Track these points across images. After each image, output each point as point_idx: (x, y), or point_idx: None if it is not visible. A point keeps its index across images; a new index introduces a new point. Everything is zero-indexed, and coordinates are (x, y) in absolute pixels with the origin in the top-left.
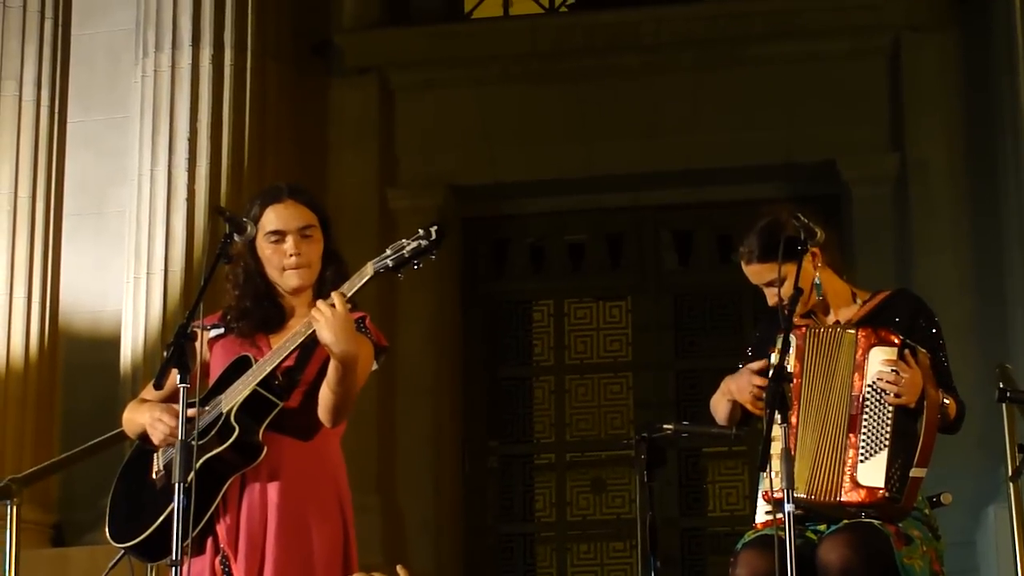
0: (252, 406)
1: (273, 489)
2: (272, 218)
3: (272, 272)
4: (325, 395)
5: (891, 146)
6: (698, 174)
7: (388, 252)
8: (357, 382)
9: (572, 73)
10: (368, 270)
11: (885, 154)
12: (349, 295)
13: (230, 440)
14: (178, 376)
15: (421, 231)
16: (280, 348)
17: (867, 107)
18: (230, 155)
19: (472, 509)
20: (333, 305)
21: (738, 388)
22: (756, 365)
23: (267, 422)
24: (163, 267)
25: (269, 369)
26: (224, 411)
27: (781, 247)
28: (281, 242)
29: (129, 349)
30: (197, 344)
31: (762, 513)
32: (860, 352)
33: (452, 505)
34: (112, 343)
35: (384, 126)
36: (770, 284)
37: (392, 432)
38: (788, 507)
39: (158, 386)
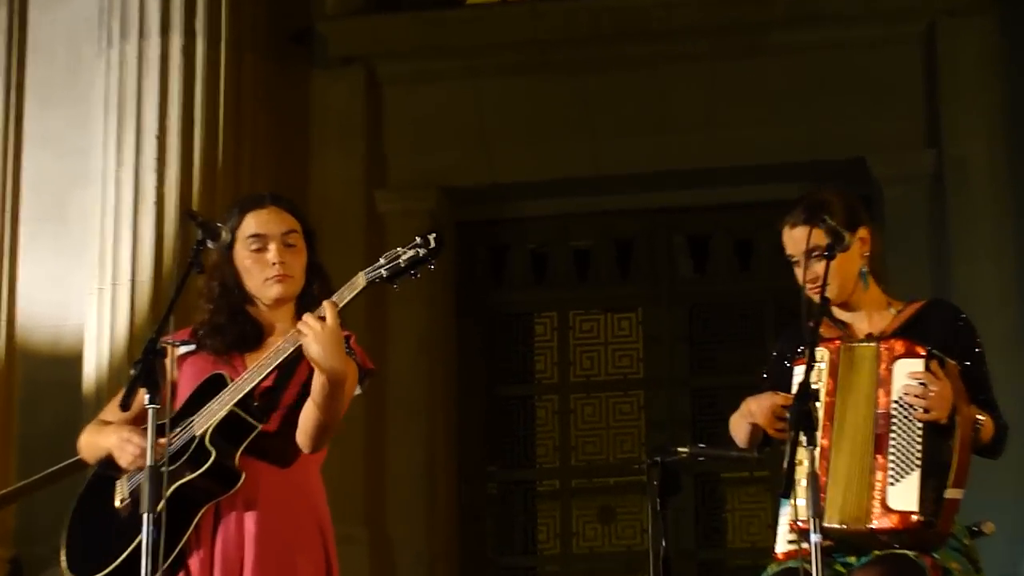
0: (228, 429)
1: (250, 519)
2: (253, 223)
3: (252, 283)
4: (308, 416)
5: (926, 142)
6: (715, 173)
7: (382, 261)
8: (344, 403)
9: (577, 63)
10: (360, 280)
11: (919, 151)
12: (341, 307)
13: (206, 465)
14: (146, 396)
15: (418, 238)
16: (262, 364)
17: (900, 99)
18: (203, 154)
19: (468, 540)
20: (322, 318)
21: (759, 410)
22: (784, 396)
23: (244, 446)
24: (130, 277)
25: (249, 388)
26: (198, 434)
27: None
28: (263, 250)
29: (93, 367)
30: (167, 361)
31: (783, 542)
32: (884, 365)
33: (447, 536)
34: (74, 360)
35: (371, 122)
36: (809, 253)
37: (381, 457)
38: (815, 537)
39: (124, 407)
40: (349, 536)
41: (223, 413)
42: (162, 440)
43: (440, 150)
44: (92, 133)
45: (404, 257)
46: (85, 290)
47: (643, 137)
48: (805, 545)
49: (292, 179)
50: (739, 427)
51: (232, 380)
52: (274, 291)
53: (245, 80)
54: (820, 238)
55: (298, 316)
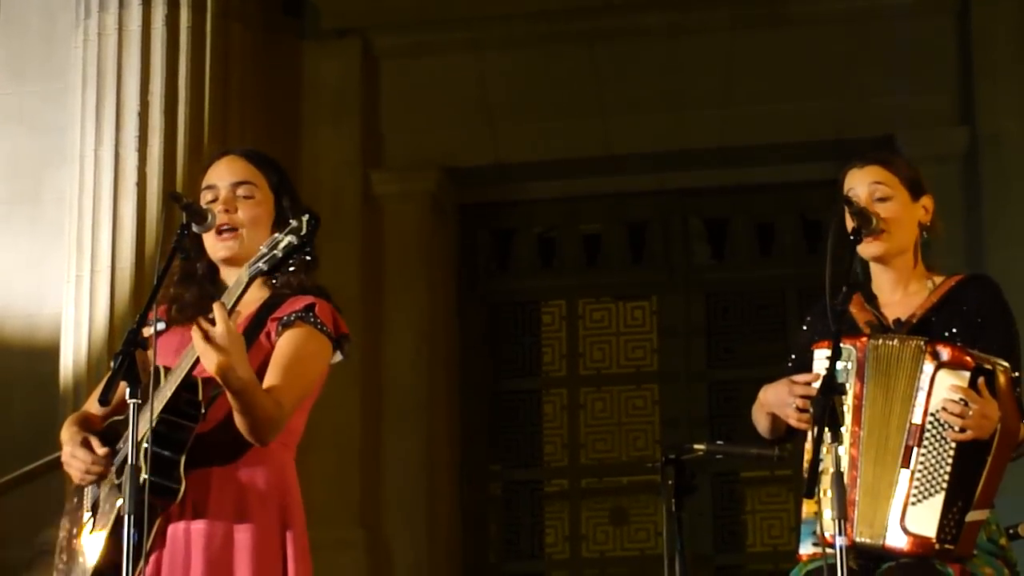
0: (166, 434)
1: (198, 530)
2: (208, 174)
3: (208, 243)
4: (238, 423)
5: (959, 118)
6: (734, 152)
7: (263, 250)
8: (266, 404)
9: (587, 35)
10: (243, 276)
11: (952, 127)
12: (230, 306)
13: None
14: (127, 390)
15: (292, 221)
16: (178, 369)
17: (931, 73)
18: (187, 132)
19: (471, 545)
20: (212, 321)
21: (777, 402)
22: (799, 378)
23: (187, 449)
24: (109, 263)
25: (170, 394)
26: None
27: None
28: (214, 203)
29: (70, 359)
30: (150, 353)
31: (808, 544)
32: (926, 373)
33: (448, 540)
34: (50, 352)
35: (367, 98)
36: (876, 183)
37: (378, 456)
38: (839, 540)
39: (103, 402)
40: (344, 540)
41: (153, 423)
42: (101, 450)
43: (441, 128)
44: (69, 109)
45: (281, 246)
46: (62, 277)
47: (657, 114)
48: (831, 549)
49: (282, 159)
50: (759, 418)
51: (166, 369)
52: (219, 250)
53: (232, 53)
54: (885, 176)
55: (268, 285)
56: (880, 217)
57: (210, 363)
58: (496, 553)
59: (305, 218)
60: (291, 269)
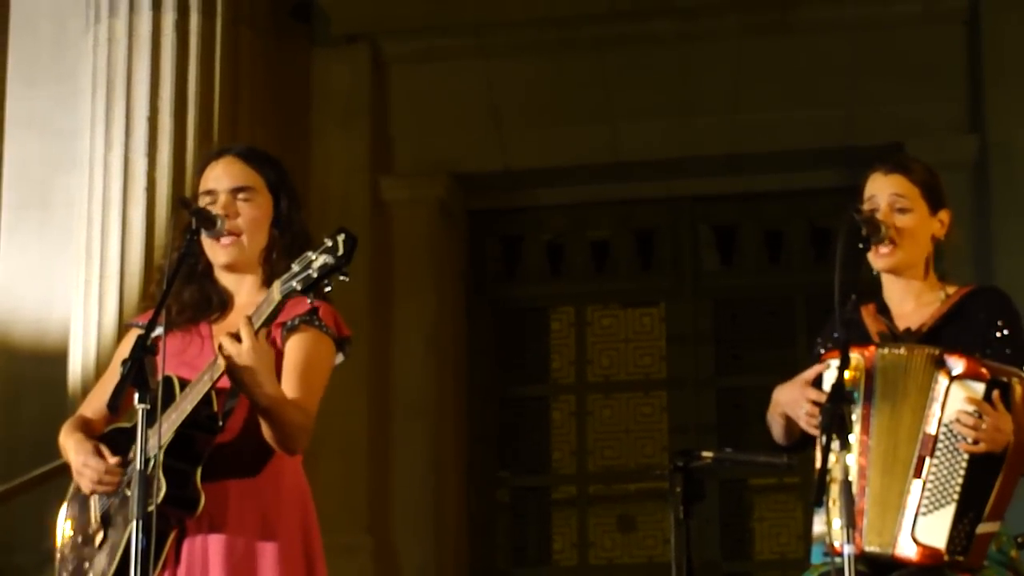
0: (182, 448)
1: (216, 543)
2: (206, 178)
3: (207, 246)
4: (267, 435)
5: (968, 126)
6: (742, 159)
7: (295, 268)
8: (295, 415)
9: (595, 41)
10: (275, 295)
11: (961, 136)
12: (258, 326)
13: (159, 499)
14: (136, 396)
15: (328, 240)
16: (197, 385)
17: (940, 81)
18: (196, 138)
19: (478, 551)
20: (239, 338)
21: (789, 402)
22: (810, 373)
23: (203, 461)
24: (119, 268)
25: (190, 408)
26: (151, 455)
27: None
28: (213, 205)
29: (79, 364)
30: (159, 358)
31: (819, 554)
32: (941, 384)
33: (456, 546)
34: (59, 357)
35: (376, 104)
36: (896, 195)
37: (386, 462)
38: (847, 549)
39: (112, 408)
40: (351, 545)
41: (170, 436)
42: (113, 459)
43: (450, 134)
44: (79, 114)
45: (316, 265)
46: (71, 282)
47: (666, 120)
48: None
49: (292, 165)
50: (773, 422)
51: (180, 380)
52: (219, 256)
53: (242, 59)
54: (907, 188)
55: (266, 285)
56: (894, 227)
57: (238, 381)
58: (504, 559)
59: (341, 237)
60: (326, 290)
